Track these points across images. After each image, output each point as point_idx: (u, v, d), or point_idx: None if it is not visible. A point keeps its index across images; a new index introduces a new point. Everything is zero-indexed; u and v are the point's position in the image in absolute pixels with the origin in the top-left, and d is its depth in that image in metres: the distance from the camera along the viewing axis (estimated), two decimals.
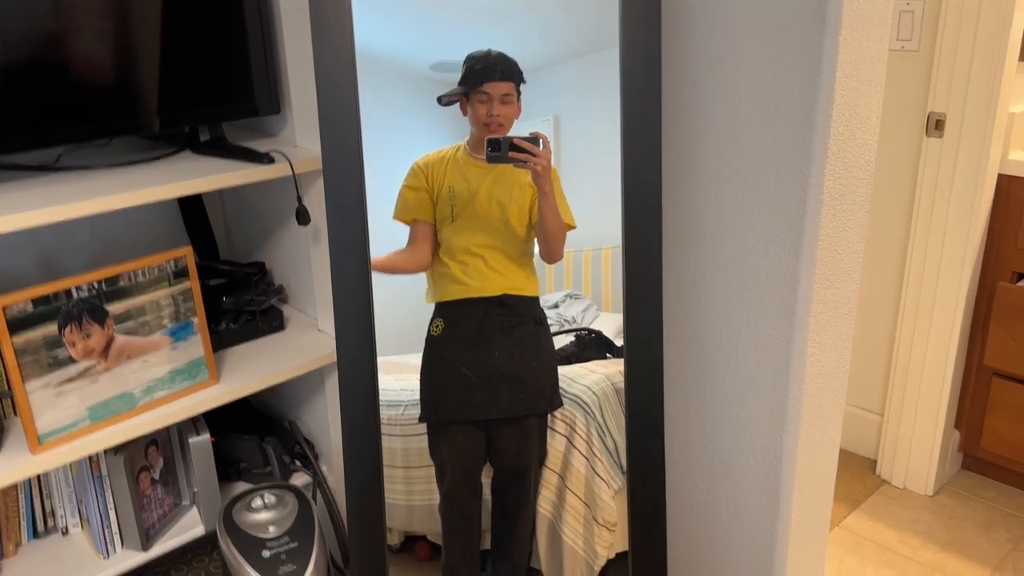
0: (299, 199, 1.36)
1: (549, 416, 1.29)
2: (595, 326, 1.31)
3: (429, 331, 1.24)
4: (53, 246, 1.57)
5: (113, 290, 1.26)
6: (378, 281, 1.21)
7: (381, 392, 1.23)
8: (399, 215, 1.24)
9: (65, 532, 1.51)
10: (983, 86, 1.99)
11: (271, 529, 1.37)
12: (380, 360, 1.22)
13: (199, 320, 1.37)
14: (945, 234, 2.13)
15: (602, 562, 1.31)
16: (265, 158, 1.33)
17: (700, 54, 1.25)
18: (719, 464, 1.47)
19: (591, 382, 1.30)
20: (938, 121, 2.08)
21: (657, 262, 1.24)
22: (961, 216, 2.10)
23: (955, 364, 2.22)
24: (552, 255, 1.24)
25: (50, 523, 1.52)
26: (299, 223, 1.37)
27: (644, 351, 1.24)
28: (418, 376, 1.27)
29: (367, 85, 1.18)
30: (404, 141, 1.23)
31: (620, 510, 1.30)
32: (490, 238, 1.22)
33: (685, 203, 1.33)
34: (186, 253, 1.33)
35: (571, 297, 1.28)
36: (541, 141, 1.19)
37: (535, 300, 1.26)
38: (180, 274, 1.33)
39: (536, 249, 1.25)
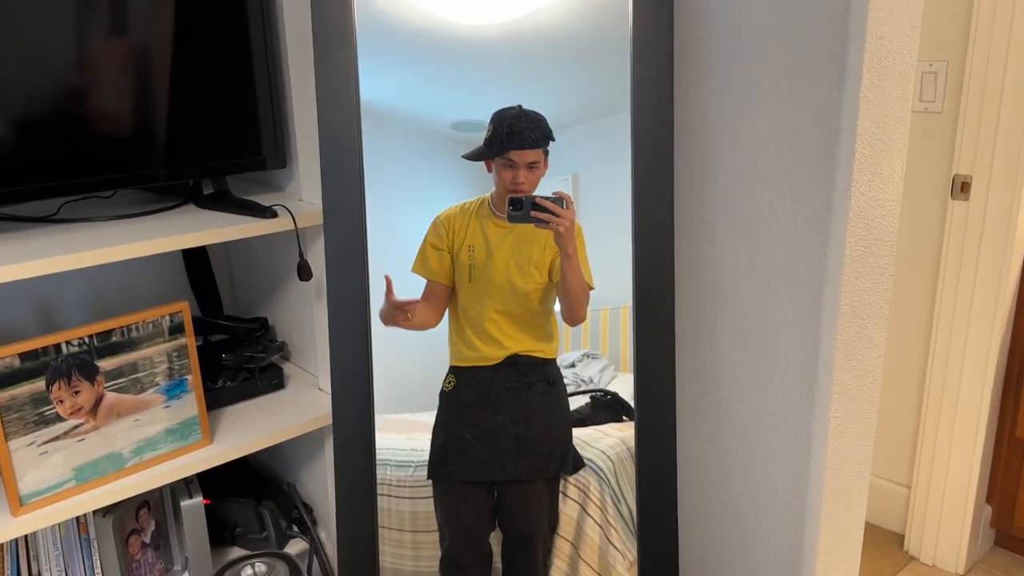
0: (301, 254, 1.33)
1: (562, 481, 1.24)
2: (612, 386, 1.26)
3: (442, 386, 1.22)
4: (52, 300, 1.54)
5: (105, 345, 1.22)
6: (391, 336, 1.19)
7: (390, 451, 1.21)
8: (420, 271, 1.21)
9: None
10: (1010, 147, 1.93)
11: None
12: (390, 417, 1.20)
13: (194, 378, 1.32)
14: (973, 299, 2.06)
15: None
16: (267, 212, 1.30)
17: (713, 113, 1.22)
18: (737, 540, 1.39)
19: (606, 446, 1.25)
20: (964, 183, 2.02)
21: (670, 326, 1.19)
22: (990, 280, 2.02)
23: (986, 434, 2.12)
24: (574, 317, 1.21)
25: None
26: (300, 279, 1.33)
27: (656, 418, 1.19)
28: (428, 435, 1.23)
29: (389, 143, 1.18)
30: (426, 199, 1.22)
31: None
32: (506, 303, 1.20)
33: (699, 263, 1.28)
34: (183, 308, 1.29)
35: (588, 357, 1.25)
36: (564, 201, 1.16)
37: (550, 361, 1.22)
38: (176, 330, 1.29)
39: (557, 309, 1.21)
